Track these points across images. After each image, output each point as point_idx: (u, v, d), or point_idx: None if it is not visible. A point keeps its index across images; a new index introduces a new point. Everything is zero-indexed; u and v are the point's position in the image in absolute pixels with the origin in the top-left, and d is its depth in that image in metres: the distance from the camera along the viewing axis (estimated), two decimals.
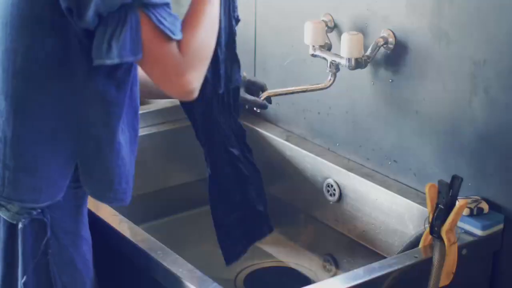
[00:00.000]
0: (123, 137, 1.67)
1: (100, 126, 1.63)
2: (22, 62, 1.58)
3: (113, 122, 1.63)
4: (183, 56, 1.57)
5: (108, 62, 1.53)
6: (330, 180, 2.30)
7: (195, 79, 1.60)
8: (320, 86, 2.22)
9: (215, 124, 1.91)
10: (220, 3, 1.74)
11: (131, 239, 1.86)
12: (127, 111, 1.67)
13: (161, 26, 1.54)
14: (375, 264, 1.79)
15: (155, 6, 1.54)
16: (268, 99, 2.13)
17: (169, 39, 1.55)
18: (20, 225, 1.64)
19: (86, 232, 1.75)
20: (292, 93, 2.26)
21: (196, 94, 1.62)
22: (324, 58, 2.19)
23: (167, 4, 1.56)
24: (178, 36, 1.56)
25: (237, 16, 1.89)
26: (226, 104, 1.91)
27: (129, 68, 1.63)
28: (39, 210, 1.64)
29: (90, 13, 1.49)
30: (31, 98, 1.59)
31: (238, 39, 2.48)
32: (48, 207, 1.65)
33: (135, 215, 2.03)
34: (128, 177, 1.70)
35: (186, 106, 1.89)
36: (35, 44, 1.58)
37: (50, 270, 1.67)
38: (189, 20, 1.62)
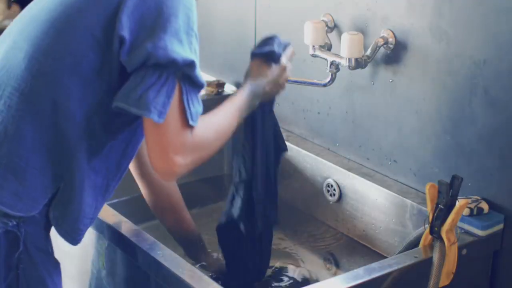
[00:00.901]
0: (89, 184, 1.66)
1: (77, 163, 1.62)
2: (50, 67, 1.58)
3: (84, 166, 1.63)
4: (190, 143, 1.59)
5: (134, 110, 1.53)
6: (330, 180, 2.30)
7: (186, 166, 1.60)
8: (320, 81, 2.24)
9: (245, 258, 1.95)
10: (257, 157, 1.86)
11: (131, 239, 1.86)
12: (113, 162, 1.69)
13: (186, 108, 1.56)
14: (375, 264, 1.80)
15: (192, 84, 1.57)
16: None
17: (187, 122, 1.57)
18: None
19: (54, 255, 1.73)
20: (294, 82, 2.27)
21: (175, 179, 1.66)
22: (324, 58, 2.19)
23: (200, 89, 1.59)
24: (194, 124, 1.58)
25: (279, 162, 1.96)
26: (258, 240, 1.94)
27: (130, 123, 1.65)
28: (14, 222, 1.62)
29: (139, 53, 1.50)
30: (42, 103, 1.58)
31: (238, 39, 2.48)
32: (24, 221, 1.62)
33: (135, 215, 2.03)
34: (85, 221, 1.69)
35: (222, 239, 1.96)
36: (71, 56, 1.57)
37: (19, 286, 1.65)
38: (212, 118, 1.67)
